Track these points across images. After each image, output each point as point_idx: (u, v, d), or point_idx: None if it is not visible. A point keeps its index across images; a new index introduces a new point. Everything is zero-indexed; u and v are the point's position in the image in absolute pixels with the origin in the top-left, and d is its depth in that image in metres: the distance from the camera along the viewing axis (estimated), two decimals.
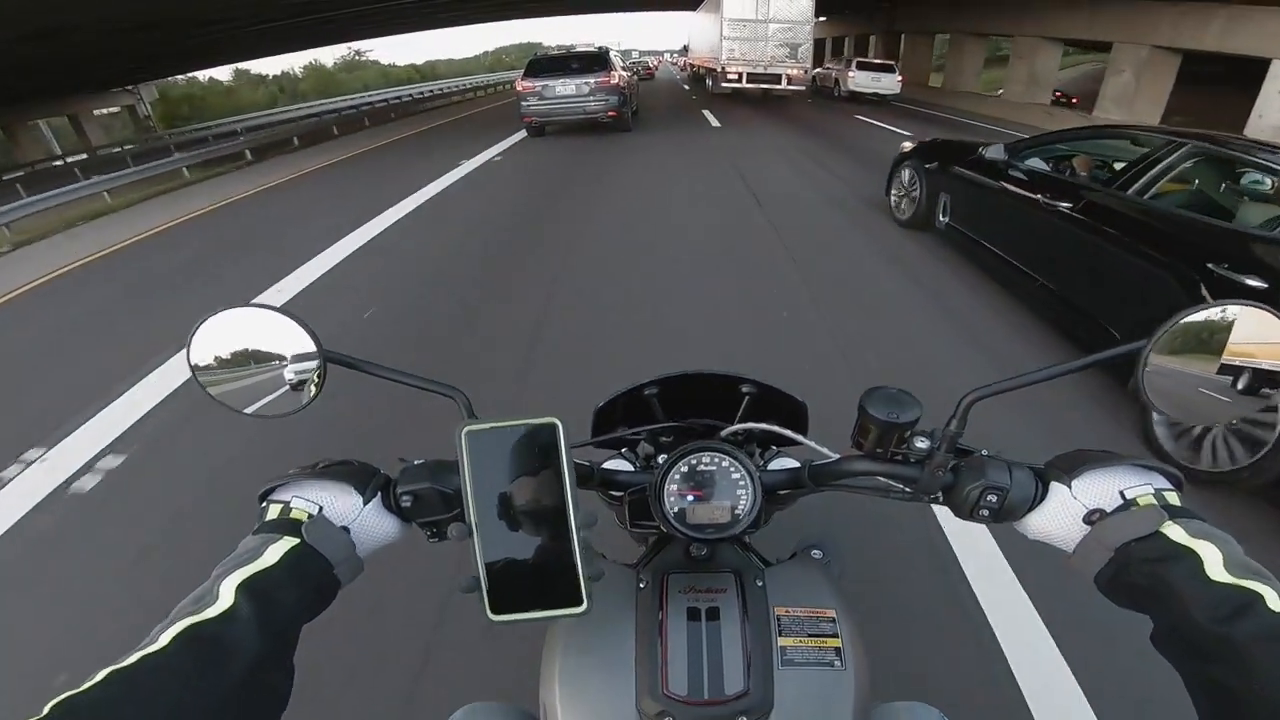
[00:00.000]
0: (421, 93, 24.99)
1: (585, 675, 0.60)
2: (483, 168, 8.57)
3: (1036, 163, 3.65)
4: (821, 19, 29.20)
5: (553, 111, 10.51)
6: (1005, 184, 3.61)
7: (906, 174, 5.07)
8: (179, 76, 36.50)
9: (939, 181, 4.57)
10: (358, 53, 67.66)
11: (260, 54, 25.12)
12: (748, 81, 16.17)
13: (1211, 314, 0.47)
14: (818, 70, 21.67)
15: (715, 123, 12.38)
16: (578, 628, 0.61)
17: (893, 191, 5.31)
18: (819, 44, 30.15)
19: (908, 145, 5.17)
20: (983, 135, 10.21)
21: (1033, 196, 3.27)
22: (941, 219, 4.52)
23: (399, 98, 22.87)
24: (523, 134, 11.14)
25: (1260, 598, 0.39)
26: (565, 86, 10.21)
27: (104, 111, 27.71)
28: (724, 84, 16.47)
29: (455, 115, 17.95)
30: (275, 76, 62.36)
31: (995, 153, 3.87)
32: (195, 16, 14.43)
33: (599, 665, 0.60)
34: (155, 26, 14.05)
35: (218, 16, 15.05)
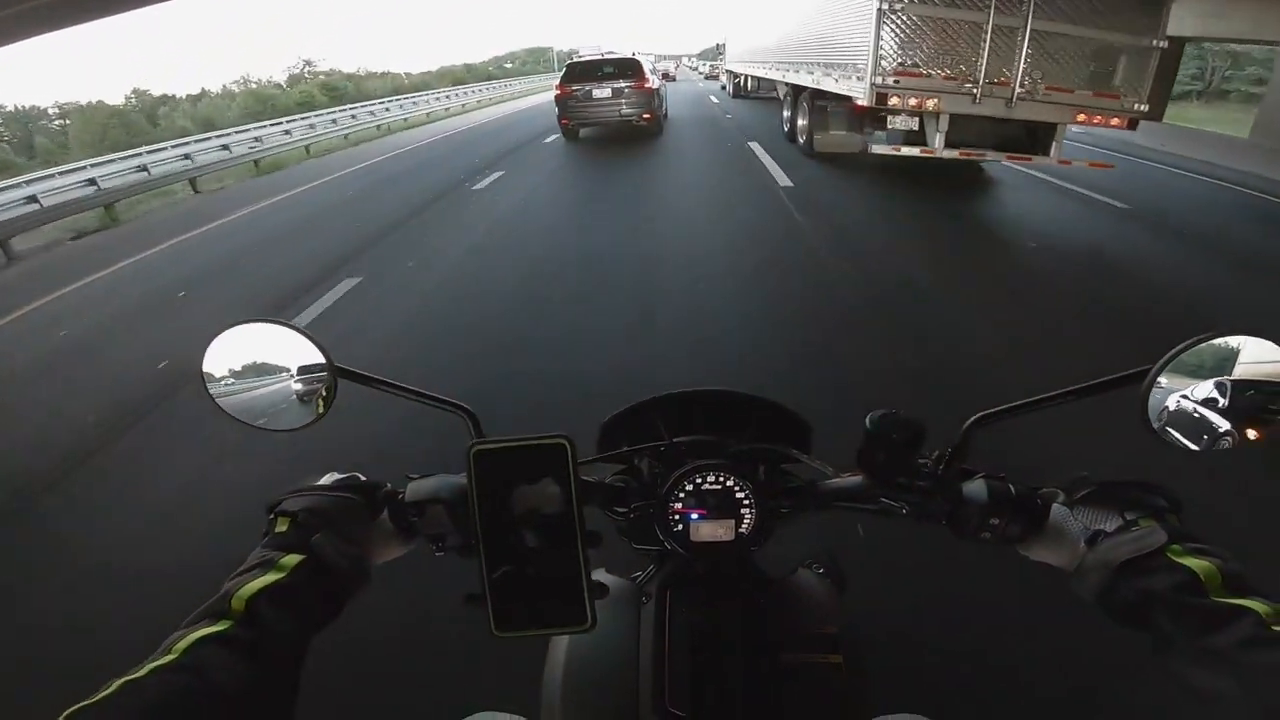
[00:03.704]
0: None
1: (588, 689, 0.61)
2: None
3: None
4: None
5: (589, 115, 11.02)
6: None
7: None
8: None
9: None
10: (308, 62, 49.56)
11: None
12: (948, 145, 5.99)
13: (1216, 342, 0.47)
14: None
15: None
16: (581, 641, 0.62)
17: None
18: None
19: None
20: None
21: None
22: None
23: None
24: None
25: (1254, 612, 0.40)
26: (602, 90, 10.73)
27: None
28: (875, 143, 6.53)
29: None
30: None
31: None
32: None
33: (602, 679, 0.61)
34: None
35: None
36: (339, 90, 39.61)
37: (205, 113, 35.20)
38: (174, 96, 42.49)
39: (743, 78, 16.88)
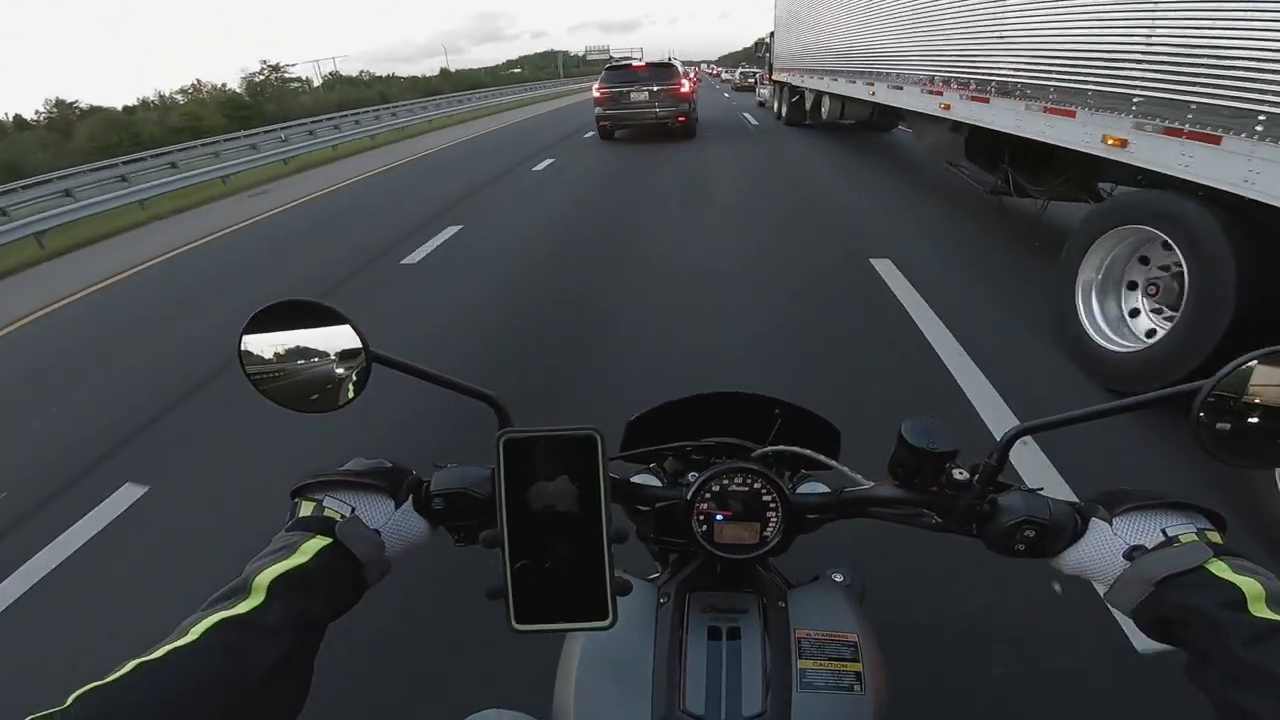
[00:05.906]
0: None
1: (602, 689, 0.60)
2: None
3: None
4: None
5: (625, 116, 11.44)
6: None
7: None
8: None
9: None
10: (274, 68, 41.76)
11: None
12: None
13: (1272, 360, 0.45)
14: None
15: None
16: (596, 640, 0.62)
17: None
18: None
19: None
20: None
21: None
22: None
23: None
24: None
25: None
26: (639, 93, 11.20)
27: None
28: None
29: None
30: None
31: None
32: None
33: (616, 679, 0.60)
34: None
35: None
36: (247, 109, 31.06)
37: (5, 155, 21.41)
38: (105, 108, 34.48)
39: (802, 94, 11.41)
